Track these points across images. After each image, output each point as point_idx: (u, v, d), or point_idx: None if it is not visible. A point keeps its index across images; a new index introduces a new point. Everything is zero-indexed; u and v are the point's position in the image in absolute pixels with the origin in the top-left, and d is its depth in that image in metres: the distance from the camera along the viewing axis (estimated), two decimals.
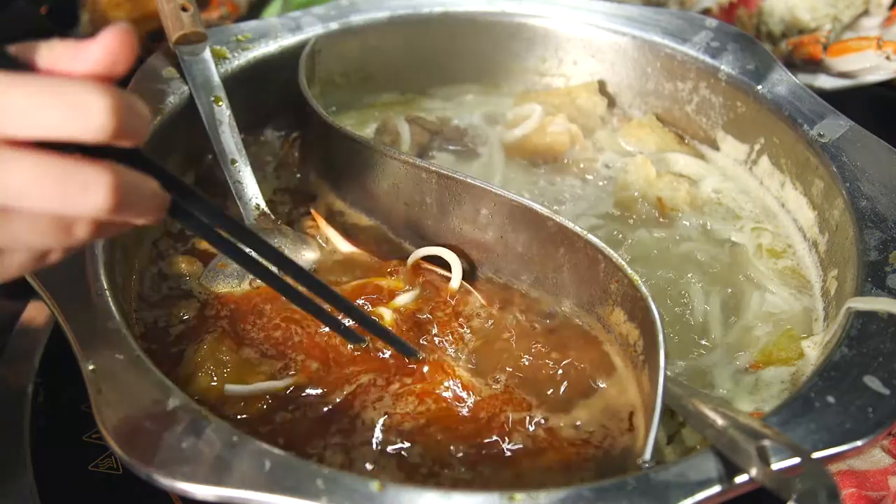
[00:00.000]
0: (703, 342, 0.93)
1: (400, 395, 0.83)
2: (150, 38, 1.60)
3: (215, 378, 0.83)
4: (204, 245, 1.00)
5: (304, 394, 0.83)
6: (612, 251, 0.85)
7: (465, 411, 0.82)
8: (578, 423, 0.82)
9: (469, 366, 0.87)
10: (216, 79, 1.09)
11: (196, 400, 0.72)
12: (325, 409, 0.82)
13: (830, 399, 0.72)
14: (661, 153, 1.20)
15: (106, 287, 0.80)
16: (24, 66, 0.52)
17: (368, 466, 0.77)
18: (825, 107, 1.05)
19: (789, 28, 1.45)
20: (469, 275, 0.99)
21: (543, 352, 0.89)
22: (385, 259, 0.99)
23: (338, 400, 0.83)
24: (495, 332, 0.91)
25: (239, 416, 0.80)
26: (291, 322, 0.90)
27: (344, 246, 1.01)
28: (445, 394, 0.83)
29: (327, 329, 0.86)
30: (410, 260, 0.96)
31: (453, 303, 0.93)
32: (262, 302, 0.93)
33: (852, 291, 0.85)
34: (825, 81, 1.35)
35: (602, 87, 1.27)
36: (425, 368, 0.86)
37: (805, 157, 1.04)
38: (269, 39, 1.18)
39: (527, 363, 0.88)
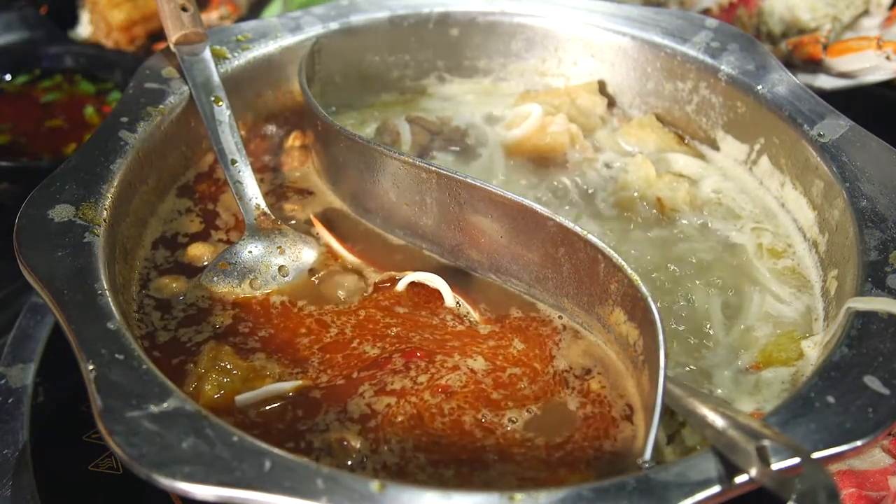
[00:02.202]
0: (704, 342, 0.93)
1: (404, 395, 0.83)
2: (151, 38, 1.60)
3: (221, 388, 0.82)
4: (189, 257, 0.99)
5: (311, 393, 0.83)
6: (612, 251, 0.85)
7: (467, 414, 0.83)
8: (577, 420, 0.82)
9: (468, 368, 0.88)
10: (216, 79, 1.09)
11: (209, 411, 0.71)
12: (330, 405, 0.82)
13: (830, 399, 0.72)
14: (661, 153, 1.20)
15: (106, 287, 0.80)
16: None
17: (372, 463, 0.77)
18: (825, 107, 1.05)
19: (789, 28, 1.45)
20: (467, 279, 0.99)
21: (538, 359, 0.89)
22: (383, 267, 1.00)
23: (344, 398, 0.83)
24: (489, 342, 0.92)
25: (253, 420, 0.80)
26: (296, 324, 0.91)
27: (343, 254, 1.01)
28: (437, 397, 0.84)
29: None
30: (401, 286, 0.96)
31: (448, 318, 0.93)
32: (259, 305, 0.93)
33: (852, 291, 0.85)
34: (825, 81, 1.35)
35: (602, 87, 1.27)
36: (427, 367, 0.86)
37: (805, 157, 1.04)
38: (269, 39, 1.18)
39: (522, 368, 0.88)
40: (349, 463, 0.77)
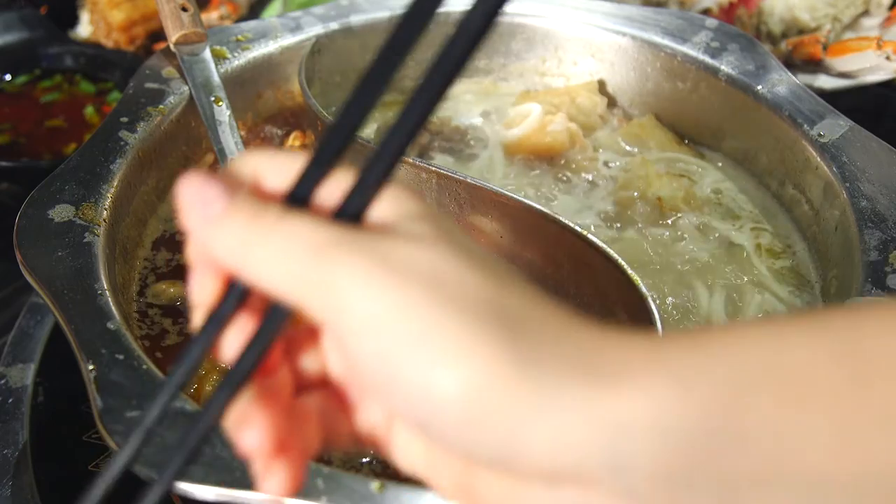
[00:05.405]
0: None
1: None
2: (151, 38, 1.60)
3: None
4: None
5: None
6: (612, 251, 0.85)
7: None
8: None
9: None
10: (216, 79, 1.09)
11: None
12: None
13: None
14: (661, 153, 1.20)
15: (106, 287, 0.80)
16: None
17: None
18: (825, 107, 1.05)
19: (789, 28, 1.45)
20: None
21: None
22: None
23: None
24: None
25: None
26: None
27: None
28: None
29: None
30: None
31: None
32: None
33: (852, 291, 0.85)
34: (825, 81, 1.35)
35: (602, 87, 1.28)
36: None
37: (805, 157, 1.04)
38: (269, 39, 1.18)
39: None
40: (350, 463, 0.77)
